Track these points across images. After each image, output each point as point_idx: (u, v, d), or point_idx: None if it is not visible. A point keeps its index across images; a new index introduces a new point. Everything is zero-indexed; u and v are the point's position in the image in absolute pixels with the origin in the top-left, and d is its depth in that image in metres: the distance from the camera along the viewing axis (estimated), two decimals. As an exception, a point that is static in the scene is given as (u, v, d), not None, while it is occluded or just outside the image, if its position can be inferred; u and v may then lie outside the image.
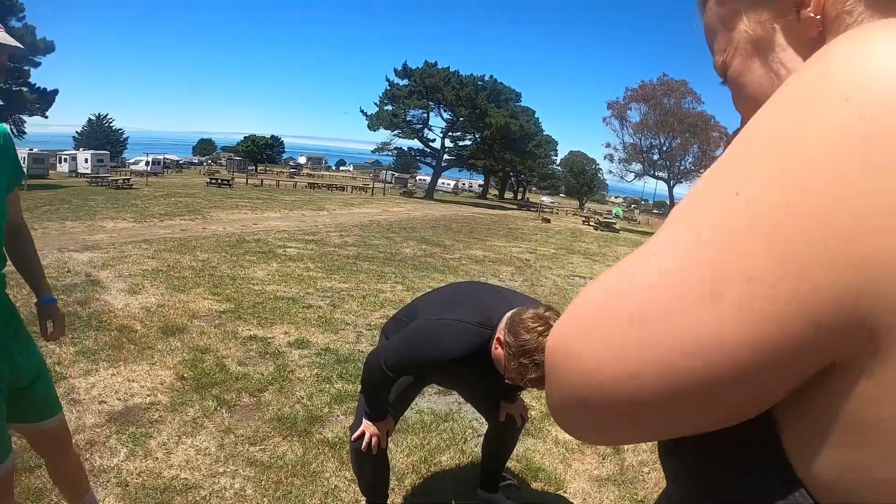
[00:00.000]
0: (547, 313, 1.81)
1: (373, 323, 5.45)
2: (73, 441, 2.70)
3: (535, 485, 2.97)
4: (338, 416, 3.42)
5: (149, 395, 3.38)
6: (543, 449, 3.36)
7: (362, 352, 4.57)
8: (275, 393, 3.63)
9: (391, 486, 2.69)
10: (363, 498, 2.48)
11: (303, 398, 3.60)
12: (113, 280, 6.04)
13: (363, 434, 2.10)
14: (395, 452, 3.02)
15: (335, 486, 2.66)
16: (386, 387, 2.06)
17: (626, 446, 3.54)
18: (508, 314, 1.87)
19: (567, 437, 3.55)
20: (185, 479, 2.57)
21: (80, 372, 3.61)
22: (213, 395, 3.45)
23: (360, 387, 3.77)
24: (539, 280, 9.52)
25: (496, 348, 1.88)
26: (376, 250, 10.49)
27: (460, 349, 1.91)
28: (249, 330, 4.80)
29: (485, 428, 3.45)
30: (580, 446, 3.46)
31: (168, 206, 15.78)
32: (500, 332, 1.85)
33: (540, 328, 1.75)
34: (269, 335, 4.72)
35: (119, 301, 5.25)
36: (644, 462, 3.38)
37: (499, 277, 9.25)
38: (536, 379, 1.76)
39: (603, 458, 3.36)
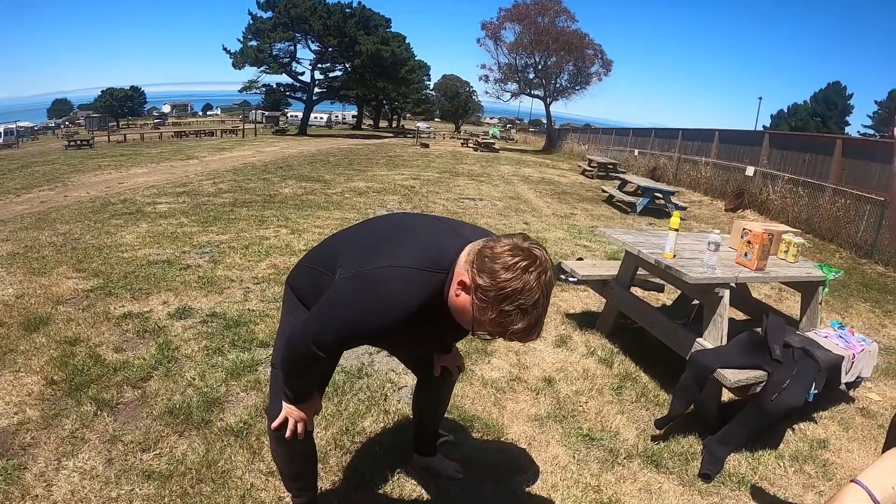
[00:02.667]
0: (526, 244, 1.36)
1: (260, 275, 4.87)
2: None
3: (474, 436, 2.68)
4: (237, 393, 2.91)
5: (16, 413, 2.67)
6: (472, 393, 3.07)
7: (252, 311, 4.02)
8: (161, 379, 3.03)
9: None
10: (287, 494, 2.06)
11: (194, 379, 3.03)
12: (-39, 275, 4.89)
13: (286, 420, 1.66)
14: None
15: (251, 484, 2.21)
16: (316, 369, 1.61)
17: (556, 377, 3.33)
18: (472, 249, 1.43)
19: (495, 375, 3.28)
20: (70, 514, 2.00)
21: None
22: (89, 397, 2.79)
23: (255, 353, 3.33)
24: (428, 206, 9.29)
25: (457, 295, 1.42)
26: (253, 194, 9.63)
27: (411, 305, 1.42)
28: (123, 306, 4.05)
29: (404, 379, 3.12)
30: (509, 384, 3.22)
31: (24, 178, 13.66)
32: (464, 274, 1.40)
33: (523, 263, 1.32)
34: (145, 309, 4.01)
35: (-33, 299, 4.23)
36: (579, 391, 3.19)
37: (386, 207, 8.91)
38: (523, 329, 1.34)
39: (536, 394, 3.13)
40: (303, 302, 1.71)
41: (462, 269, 1.41)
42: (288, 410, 1.65)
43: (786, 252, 3.63)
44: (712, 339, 2.99)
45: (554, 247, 6.85)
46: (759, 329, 3.03)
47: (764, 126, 52.62)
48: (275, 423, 1.67)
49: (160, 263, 5.11)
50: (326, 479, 2.27)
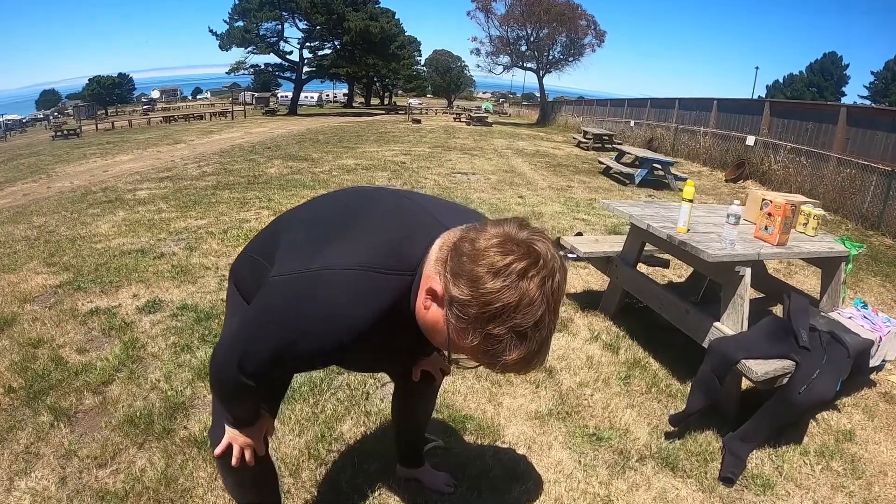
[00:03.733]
0: (523, 233, 0.94)
1: (238, 261, 4.54)
2: None
3: (466, 439, 2.39)
4: (204, 396, 2.60)
5: (-28, 429, 2.37)
6: (464, 388, 2.77)
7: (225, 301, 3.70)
8: (123, 382, 2.73)
9: (285, 486, 1.99)
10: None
11: (158, 381, 2.73)
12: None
13: (230, 446, 1.34)
14: (281, 435, 2.30)
15: (211, 504, 1.92)
16: (253, 393, 1.22)
17: (557, 366, 3.04)
18: (445, 242, 1.02)
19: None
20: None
21: None
22: (47, 406, 2.50)
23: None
24: (419, 182, 8.96)
25: (426, 308, 1.03)
26: (238, 175, 9.25)
27: (363, 321, 1.02)
28: (91, 301, 3.73)
29: (390, 373, 2.82)
30: (506, 375, 2.92)
31: (9, 171, 13.25)
32: (434, 279, 1.00)
33: (519, 265, 0.90)
34: (113, 303, 3.68)
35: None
36: (583, 382, 2.90)
37: (375, 185, 8.49)
38: (519, 361, 0.94)
39: (536, 387, 2.83)
40: (248, 301, 1.36)
41: (432, 272, 1.01)
42: (231, 436, 1.33)
43: (805, 225, 3.31)
44: (732, 323, 2.68)
45: (551, 221, 6.54)
46: (772, 308, 2.74)
47: (759, 96, 52.05)
48: (217, 451, 1.35)
49: (133, 253, 4.78)
50: (297, 497, 1.98)
